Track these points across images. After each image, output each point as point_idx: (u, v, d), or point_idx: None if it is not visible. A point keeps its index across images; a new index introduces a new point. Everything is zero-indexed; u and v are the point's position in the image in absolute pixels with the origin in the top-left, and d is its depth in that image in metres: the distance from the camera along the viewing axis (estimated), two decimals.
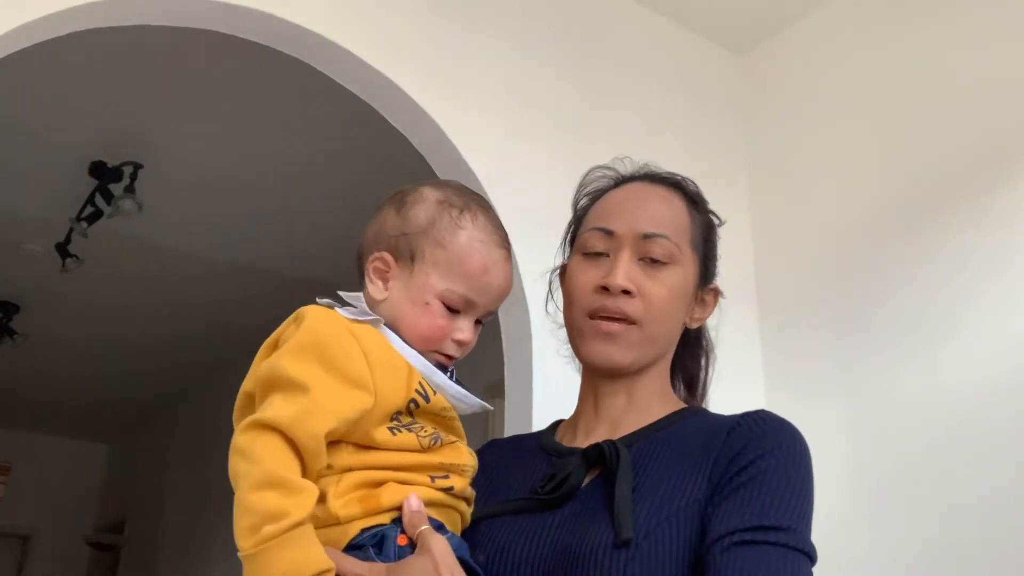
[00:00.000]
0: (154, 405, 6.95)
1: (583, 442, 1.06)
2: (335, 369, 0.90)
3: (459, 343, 1.01)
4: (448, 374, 1.00)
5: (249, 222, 4.30)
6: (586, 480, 1.01)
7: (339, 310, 0.98)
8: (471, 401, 1.02)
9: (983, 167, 2.37)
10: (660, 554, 0.91)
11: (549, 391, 2.21)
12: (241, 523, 0.84)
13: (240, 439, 0.87)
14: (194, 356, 5.97)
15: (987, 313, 2.26)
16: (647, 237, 1.08)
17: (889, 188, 2.58)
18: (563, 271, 1.18)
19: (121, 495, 7.50)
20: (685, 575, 0.90)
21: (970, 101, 2.45)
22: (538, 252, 2.20)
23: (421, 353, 0.98)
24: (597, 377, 1.11)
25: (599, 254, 1.09)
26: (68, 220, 3.94)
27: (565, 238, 1.21)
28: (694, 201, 1.15)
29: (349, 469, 0.91)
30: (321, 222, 4.17)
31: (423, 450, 0.95)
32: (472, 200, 1.05)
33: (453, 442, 0.99)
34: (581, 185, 1.21)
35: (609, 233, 1.09)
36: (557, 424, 1.18)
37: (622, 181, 1.17)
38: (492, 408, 1.08)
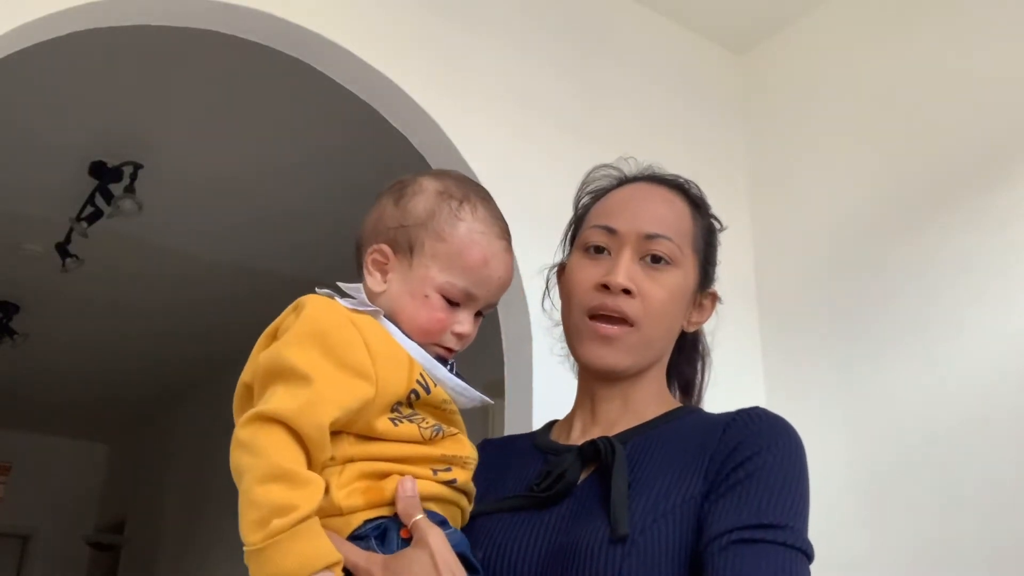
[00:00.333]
0: (154, 405, 6.95)
1: (578, 441, 1.06)
2: (337, 358, 0.89)
3: (459, 336, 1.00)
4: (448, 367, 1.00)
5: (249, 221, 4.30)
6: (582, 477, 1.01)
7: (339, 301, 0.97)
8: (471, 395, 1.01)
9: (983, 167, 2.37)
10: (656, 550, 0.91)
11: (549, 391, 2.21)
12: (248, 517, 0.83)
13: (243, 432, 0.86)
14: (194, 356, 5.97)
15: (987, 313, 2.26)
16: (649, 237, 1.07)
17: (889, 188, 2.58)
18: (561, 269, 1.18)
19: (121, 495, 7.50)
20: (681, 571, 0.90)
21: (970, 101, 2.45)
22: (538, 252, 2.20)
23: (421, 346, 0.98)
24: (594, 380, 1.10)
25: (600, 252, 1.09)
26: (68, 220, 3.94)
27: (565, 236, 1.21)
28: (697, 204, 1.15)
29: (351, 460, 0.91)
30: (322, 221, 4.17)
31: (425, 442, 0.94)
32: (472, 191, 1.04)
33: (455, 434, 0.98)
34: (584, 183, 1.20)
35: (611, 231, 1.09)
36: (552, 424, 1.18)
37: (625, 181, 1.17)
38: (492, 402, 1.08)
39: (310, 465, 0.86)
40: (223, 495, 5.61)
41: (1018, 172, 2.30)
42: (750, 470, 0.94)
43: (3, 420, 7.02)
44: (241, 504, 0.84)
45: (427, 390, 0.95)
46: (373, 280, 1.00)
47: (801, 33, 2.98)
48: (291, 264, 4.57)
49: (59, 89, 3.35)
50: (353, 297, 0.98)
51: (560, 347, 1.14)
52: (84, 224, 3.91)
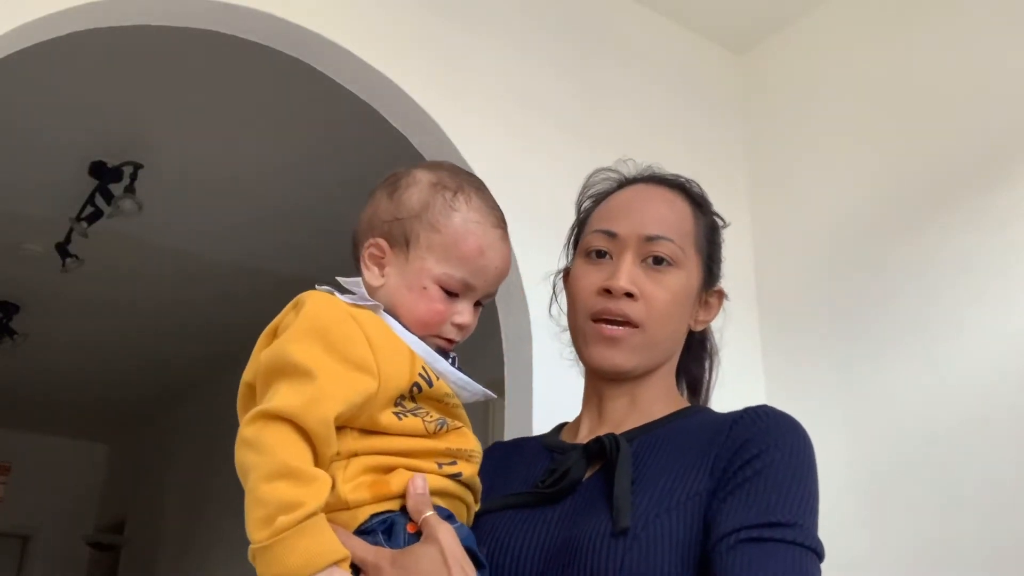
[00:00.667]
0: (154, 405, 6.94)
1: (586, 440, 1.06)
2: (338, 353, 0.89)
3: (459, 327, 1.00)
4: (450, 361, 1.00)
5: (249, 221, 4.30)
6: (587, 475, 1.01)
7: (338, 296, 0.97)
8: (474, 388, 1.01)
9: (983, 166, 2.37)
10: (658, 545, 0.90)
11: (549, 391, 2.21)
12: (254, 515, 0.83)
13: (247, 431, 0.86)
14: (194, 355, 5.97)
15: (987, 313, 2.26)
16: (650, 239, 1.07)
17: (889, 188, 2.58)
18: (566, 273, 1.18)
19: (121, 495, 7.50)
20: (684, 566, 0.90)
21: (970, 100, 2.45)
22: (539, 252, 2.20)
23: (421, 338, 0.98)
24: (601, 381, 1.10)
25: (602, 256, 1.09)
26: (68, 220, 3.94)
27: (568, 240, 1.21)
28: (698, 203, 1.15)
29: (356, 454, 0.91)
30: (322, 220, 4.17)
31: (429, 435, 0.94)
32: (466, 181, 1.04)
33: (459, 428, 0.98)
34: (584, 187, 1.20)
35: (612, 235, 1.09)
36: (562, 426, 1.18)
37: (626, 183, 1.17)
38: (495, 396, 1.08)
39: (316, 461, 0.86)
40: (223, 495, 5.62)
41: (1018, 172, 2.30)
42: (758, 468, 0.93)
43: (3, 420, 7.01)
44: (247, 502, 0.84)
45: (429, 383, 0.95)
46: (371, 275, 1.00)
47: (801, 33, 2.98)
48: (291, 263, 4.57)
49: (59, 89, 3.35)
50: (353, 292, 0.98)
51: (569, 351, 1.14)
52: (84, 224, 3.91)
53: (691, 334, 1.14)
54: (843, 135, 2.75)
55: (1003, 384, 2.18)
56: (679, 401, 1.12)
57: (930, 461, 2.26)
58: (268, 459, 0.84)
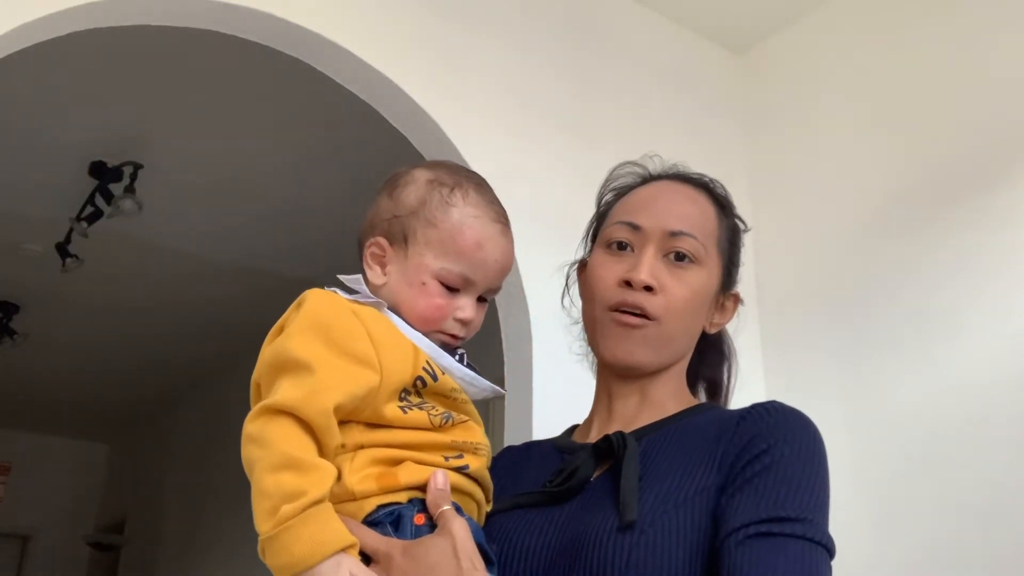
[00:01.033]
0: (154, 405, 6.94)
1: (595, 439, 1.05)
2: (339, 348, 0.90)
3: (462, 322, 1.00)
4: (458, 358, 1.00)
5: (249, 221, 4.30)
6: (596, 474, 1.00)
7: (342, 295, 0.97)
8: (482, 384, 1.01)
9: (984, 166, 2.37)
10: (666, 541, 0.90)
11: (549, 391, 2.21)
12: (260, 507, 0.83)
13: (251, 426, 0.87)
14: (194, 355, 5.97)
15: (988, 313, 2.26)
16: (674, 235, 1.06)
17: (890, 187, 2.58)
18: (582, 266, 1.16)
19: (121, 495, 7.50)
20: (691, 563, 0.89)
21: (970, 100, 2.45)
22: (539, 251, 2.20)
23: (426, 334, 0.98)
24: (612, 377, 1.10)
25: (623, 248, 1.08)
26: (68, 220, 3.94)
27: (587, 232, 1.19)
28: (722, 204, 1.14)
29: (362, 447, 0.91)
30: (322, 221, 4.17)
31: (435, 429, 0.94)
32: (465, 178, 1.03)
33: (465, 421, 0.98)
34: (607, 180, 1.19)
35: (635, 228, 1.07)
36: (573, 428, 1.17)
37: (650, 178, 1.16)
38: (504, 392, 1.08)
39: (321, 453, 0.86)
40: (223, 495, 5.62)
41: (1019, 171, 2.30)
42: (767, 463, 0.92)
43: (3, 420, 7.01)
44: (253, 496, 0.84)
45: (434, 377, 0.95)
46: (373, 273, 1.01)
47: (801, 33, 2.98)
48: (292, 264, 4.57)
49: (59, 89, 3.35)
50: (356, 291, 0.98)
51: (578, 345, 1.13)
52: (84, 224, 3.91)
53: (709, 337, 1.13)
54: (843, 135, 2.75)
55: (1003, 384, 2.18)
56: (689, 399, 1.11)
57: (932, 461, 2.26)
58: (271, 452, 0.84)
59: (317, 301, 0.94)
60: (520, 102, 2.57)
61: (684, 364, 1.12)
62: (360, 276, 1.00)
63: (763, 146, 2.98)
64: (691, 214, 1.09)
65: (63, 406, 7.01)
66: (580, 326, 1.14)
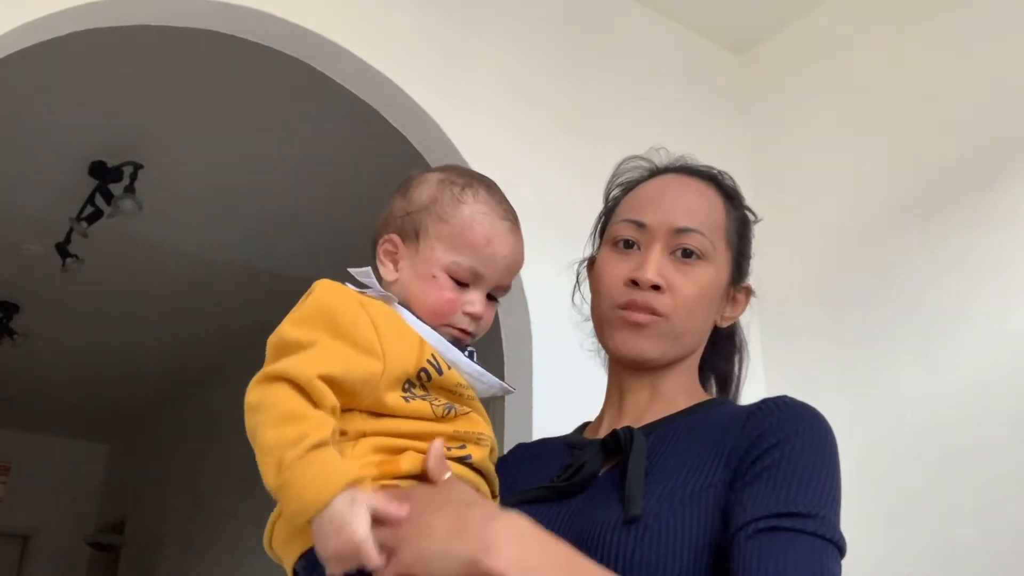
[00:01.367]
0: (154, 405, 6.95)
1: (605, 435, 1.04)
2: (341, 335, 0.91)
3: (471, 316, 1.01)
4: (468, 354, 1.00)
5: (249, 222, 4.30)
6: (604, 469, 0.99)
7: (351, 288, 0.98)
8: (489, 380, 1.01)
9: (983, 166, 2.37)
10: (671, 536, 0.89)
11: (549, 391, 2.21)
12: (266, 465, 0.83)
13: (250, 396, 0.87)
14: (195, 355, 5.97)
15: (987, 311, 2.26)
16: (680, 231, 1.05)
17: (889, 186, 2.58)
18: (591, 263, 1.16)
19: (121, 495, 7.50)
20: (696, 559, 0.88)
21: (970, 100, 2.45)
22: (539, 252, 2.20)
23: (436, 329, 0.98)
24: (622, 372, 1.09)
25: (629, 246, 1.07)
26: (68, 220, 3.94)
27: (595, 228, 1.18)
28: (730, 196, 1.13)
29: (364, 435, 0.91)
30: (322, 222, 4.17)
31: (437, 419, 0.95)
32: (475, 179, 1.05)
33: (467, 413, 0.98)
34: (614, 175, 1.18)
35: (641, 225, 1.06)
36: (585, 425, 1.16)
37: (657, 172, 1.14)
38: (514, 389, 1.08)
39: None
40: (223, 495, 5.61)
41: (1020, 171, 2.30)
42: (777, 457, 0.91)
43: (3, 420, 7.01)
44: (259, 460, 0.85)
45: (439, 371, 0.96)
46: (386, 270, 1.03)
47: (801, 33, 2.98)
48: (292, 264, 4.57)
49: (59, 89, 3.35)
50: (366, 285, 0.99)
51: (591, 342, 1.12)
52: (84, 224, 3.91)
53: (719, 329, 1.12)
54: (843, 135, 2.75)
55: (1002, 382, 2.18)
56: (700, 394, 1.10)
57: (930, 459, 2.26)
58: (270, 412, 0.85)
59: (324, 291, 0.95)
60: (520, 102, 2.57)
61: (696, 358, 1.11)
62: (370, 268, 1.01)
63: (763, 145, 2.98)
64: (698, 208, 1.07)
65: (63, 406, 7.01)
66: (591, 323, 1.13)
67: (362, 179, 3.73)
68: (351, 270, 1.01)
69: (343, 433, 0.90)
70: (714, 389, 1.17)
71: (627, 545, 0.88)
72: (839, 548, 0.89)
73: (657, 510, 0.90)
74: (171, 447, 6.85)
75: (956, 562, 2.14)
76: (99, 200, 3.85)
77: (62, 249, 4.15)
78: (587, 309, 1.13)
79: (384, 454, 0.91)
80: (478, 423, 0.99)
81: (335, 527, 0.80)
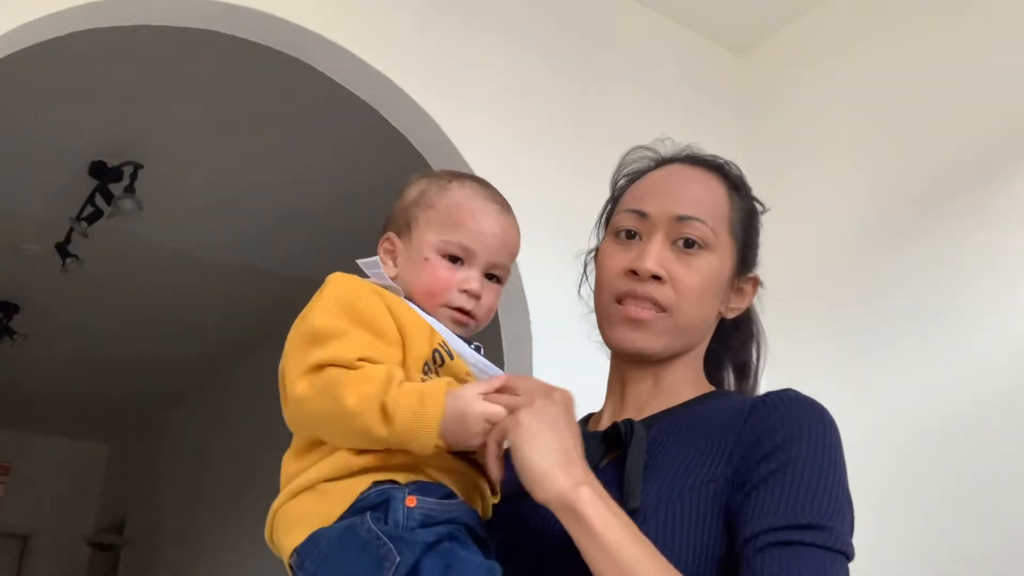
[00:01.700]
0: (154, 405, 6.94)
1: (606, 427, 1.03)
2: (367, 326, 0.93)
3: (468, 293, 1.01)
4: (475, 348, 1.01)
5: (249, 222, 4.30)
6: (604, 461, 0.98)
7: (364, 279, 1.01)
8: (495, 372, 1.01)
9: (983, 166, 2.37)
10: (669, 530, 0.88)
11: None
12: (366, 425, 0.86)
13: (300, 388, 0.89)
14: (195, 355, 5.97)
15: (987, 311, 2.26)
16: (681, 220, 1.03)
17: (889, 187, 2.58)
18: (597, 253, 1.15)
19: (121, 495, 7.50)
20: (695, 553, 0.88)
21: (970, 99, 2.45)
22: (539, 251, 2.20)
23: (434, 312, 1.00)
24: (624, 364, 1.08)
25: (631, 237, 1.05)
26: (68, 220, 3.94)
27: (600, 219, 1.17)
28: (736, 186, 1.11)
29: None
30: (322, 222, 4.17)
31: None
32: (464, 174, 1.09)
33: None
34: (620, 165, 1.17)
35: (642, 215, 1.05)
36: (589, 417, 1.15)
37: (662, 162, 1.13)
38: None
39: None
40: (223, 495, 5.61)
41: (1020, 170, 2.30)
42: (783, 461, 0.90)
43: (3, 420, 7.01)
44: (348, 426, 0.87)
45: (450, 355, 0.97)
46: (387, 268, 1.04)
47: (801, 33, 2.98)
48: (292, 264, 4.57)
49: (59, 89, 3.35)
50: (373, 275, 1.02)
51: (596, 334, 1.11)
52: (84, 224, 3.90)
53: (733, 320, 1.11)
54: (843, 134, 2.75)
55: (1002, 382, 2.18)
56: (704, 386, 1.09)
57: (930, 458, 2.27)
58: (336, 388, 0.87)
59: (339, 282, 0.97)
60: (520, 102, 2.57)
61: (700, 350, 1.09)
62: (377, 258, 1.04)
63: (763, 145, 2.98)
64: (700, 198, 1.06)
65: (63, 406, 7.00)
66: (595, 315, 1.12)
67: (362, 179, 3.73)
68: (359, 261, 1.03)
69: None
70: (732, 380, 1.16)
71: None
72: (847, 556, 0.88)
73: (656, 503, 0.90)
74: (171, 447, 6.85)
75: (957, 559, 2.14)
76: (99, 200, 3.85)
77: (62, 249, 4.15)
78: (593, 301, 1.12)
79: None
80: None
81: (460, 423, 0.87)
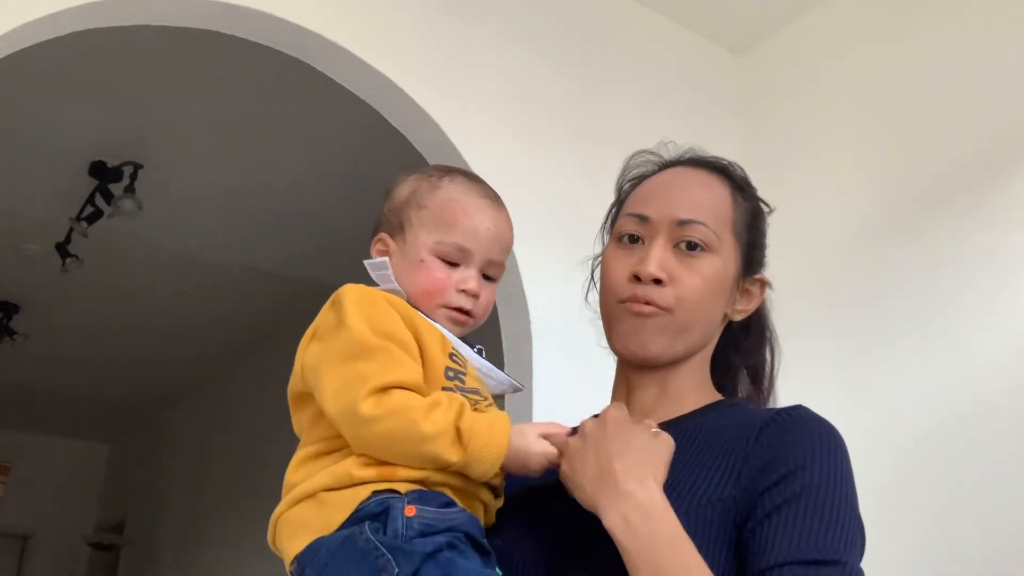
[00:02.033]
0: (154, 405, 6.95)
1: None
2: (397, 341, 0.93)
3: (467, 293, 1.01)
4: (477, 351, 1.01)
5: (249, 222, 4.30)
6: None
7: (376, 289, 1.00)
8: (499, 376, 1.03)
9: (982, 166, 2.37)
10: None
11: (549, 391, 2.21)
12: (439, 448, 0.89)
13: (366, 410, 0.89)
14: (195, 355, 5.97)
15: (986, 311, 2.26)
16: (683, 223, 1.03)
17: (889, 186, 2.58)
18: (602, 258, 1.14)
19: (121, 495, 7.50)
20: None
21: (970, 100, 2.45)
22: (539, 251, 2.20)
23: (431, 313, 1.00)
24: (630, 369, 1.07)
25: (634, 241, 1.05)
26: (68, 220, 3.94)
27: (605, 223, 1.17)
28: (740, 187, 1.11)
29: None
30: (322, 222, 4.17)
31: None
32: (452, 170, 1.08)
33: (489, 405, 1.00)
34: (624, 170, 1.17)
35: (644, 219, 1.05)
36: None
37: (665, 166, 1.13)
38: (523, 387, 1.09)
39: None
40: (223, 495, 5.60)
41: (1019, 170, 2.30)
42: (796, 489, 0.89)
43: (3, 420, 7.01)
44: (422, 449, 0.89)
45: (463, 365, 0.98)
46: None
47: (801, 33, 2.98)
48: (292, 264, 4.57)
49: (59, 89, 3.35)
50: (378, 280, 1.02)
51: (604, 340, 1.11)
52: (84, 224, 3.91)
53: (743, 323, 1.10)
54: (843, 134, 2.75)
55: (1001, 382, 2.18)
56: (712, 394, 1.08)
57: (929, 458, 2.27)
58: (408, 412, 0.89)
59: (360, 295, 0.97)
60: (520, 102, 2.57)
61: (706, 355, 1.09)
62: (385, 260, 1.03)
63: (762, 145, 2.98)
64: (702, 200, 1.06)
65: (63, 406, 7.01)
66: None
67: (362, 179, 3.72)
68: (366, 262, 1.03)
69: None
70: (746, 383, 1.15)
71: None
72: None
73: None
74: (171, 447, 6.85)
75: (956, 559, 2.14)
76: (99, 200, 3.85)
77: (62, 249, 4.15)
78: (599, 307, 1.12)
79: None
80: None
81: (521, 459, 0.92)
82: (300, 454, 0.97)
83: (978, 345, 2.25)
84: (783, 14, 2.98)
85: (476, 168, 2.36)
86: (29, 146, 3.69)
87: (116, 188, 3.82)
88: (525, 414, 2.22)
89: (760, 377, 1.15)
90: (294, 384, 0.98)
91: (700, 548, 0.87)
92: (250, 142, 3.68)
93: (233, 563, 5.20)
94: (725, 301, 1.07)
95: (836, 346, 2.58)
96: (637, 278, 1.02)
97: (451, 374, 0.95)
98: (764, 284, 1.11)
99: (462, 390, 0.95)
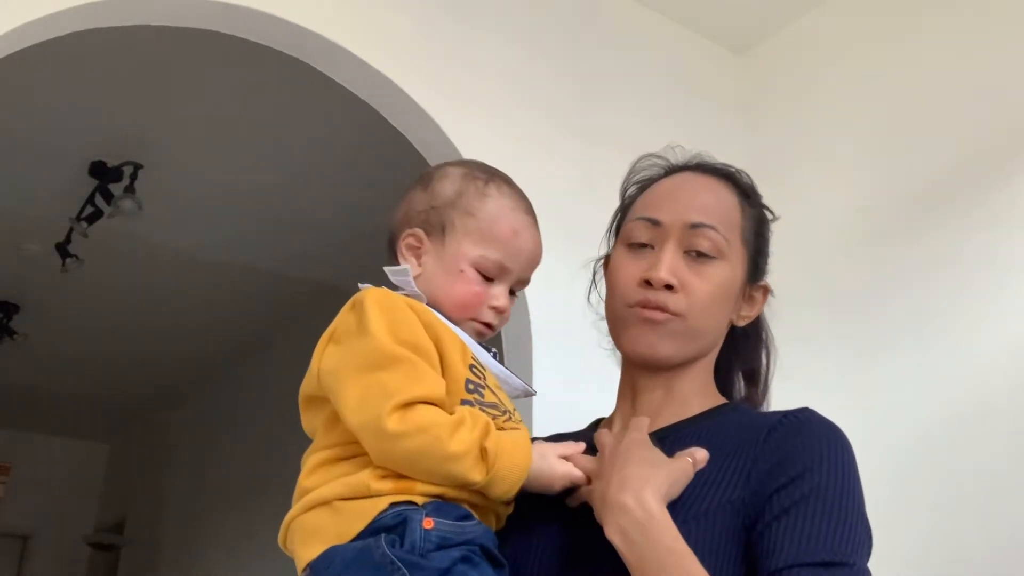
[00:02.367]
0: (155, 405, 6.94)
1: None
2: (422, 352, 0.92)
3: (496, 310, 1.03)
4: (492, 355, 1.02)
5: (249, 222, 4.30)
6: None
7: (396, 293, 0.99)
8: (514, 382, 1.03)
9: (982, 166, 2.37)
10: None
11: (549, 391, 2.21)
12: (465, 468, 0.88)
13: (391, 425, 0.88)
14: (195, 355, 5.97)
15: (985, 312, 2.26)
16: (694, 227, 1.03)
17: (889, 187, 2.58)
18: (607, 261, 1.15)
19: (121, 495, 7.49)
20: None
21: (970, 100, 2.45)
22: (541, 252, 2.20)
23: (460, 323, 1.00)
24: (636, 371, 1.07)
25: (643, 245, 1.05)
26: (68, 220, 3.94)
27: (611, 226, 1.17)
28: (747, 194, 1.12)
29: None
30: (322, 222, 4.17)
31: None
32: (496, 173, 1.09)
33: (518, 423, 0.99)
34: (630, 173, 1.17)
35: (655, 223, 1.05)
36: (599, 422, 1.15)
37: (672, 170, 1.13)
38: (535, 392, 1.10)
39: None
40: (223, 495, 5.60)
41: (1017, 171, 2.30)
42: (805, 491, 0.89)
43: (3, 420, 7.01)
44: (448, 467, 0.88)
45: (482, 372, 0.97)
46: (411, 265, 1.03)
47: (801, 33, 2.98)
48: (291, 264, 4.57)
49: (59, 89, 3.35)
50: (399, 287, 1.00)
51: (607, 341, 1.11)
52: (84, 224, 3.90)
53: (743, 327, 1.11)
54: (843, 135, 2.75)
55: (1000, 382, 2.18)
56: (716, 397, 1.08)
57: (929, 459, 2.26)
58: (436, 429, 0.88)
59: (382, 300, 0.95)
60: (520, 102, 2.57)
61: (712, 359, 1.09)
62: (407, 267, 1.01)
63: (762, 146, 2.98)
64: (712, 206, 1.06)
65: (63, 406, 7.00)
66: (606, 322, 1.12)
67: (362, 179, 3.73)
68: (387, 269, 1.01)
69: None
70: (742, 385, 1.15)
71: None
72: None
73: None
74: (171, 447, 6.85)
75: (956, 560, 2.14)
76: (99, 200, 3.85)
77: (62, 249, 4.15)
78: (603, 308, 1.12)
79: None
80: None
81: (544, 482, 0.93)
82: (315, 458, 0.95)
83: (978, 345, 2.25)
84: (783, 14, 2.97)
85: None
86: (29, 146, 3.68)
87: (116, 188, 3.82)
88: (525, 414, 2.22)
89: (756, 379, 1.16)
90: (308, 386, 0.97)
91: (710, 551, 0.87)
92: (250, 142, 3.68)
93: (233, 563, 5.20)
94: (732, 307, 1.07)
95: (836, 346, 2.58)
96: (648, 283, 1.02)
97: (471, 387, 0.95)
98: (767, 291, 1.12)
99: (481, 404, 0.94)
